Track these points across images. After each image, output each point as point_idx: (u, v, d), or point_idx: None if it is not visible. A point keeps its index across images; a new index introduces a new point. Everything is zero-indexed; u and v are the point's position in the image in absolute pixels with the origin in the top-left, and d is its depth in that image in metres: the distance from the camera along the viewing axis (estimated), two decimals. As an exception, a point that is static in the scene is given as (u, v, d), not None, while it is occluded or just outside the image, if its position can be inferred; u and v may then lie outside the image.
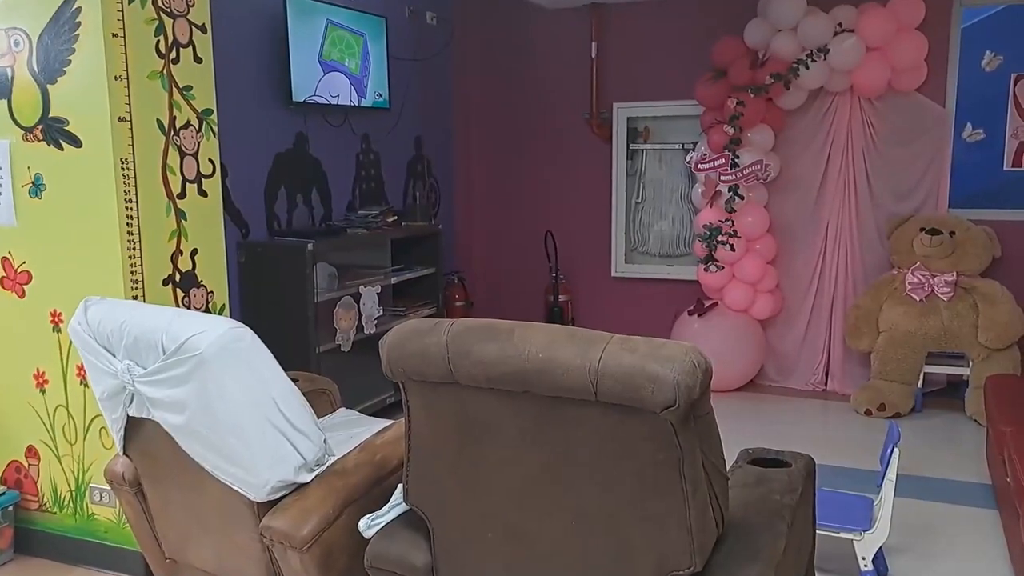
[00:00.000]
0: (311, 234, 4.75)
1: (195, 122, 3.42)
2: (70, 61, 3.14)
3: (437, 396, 2.01)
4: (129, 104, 3.14)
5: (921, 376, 5.29)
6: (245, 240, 4.58)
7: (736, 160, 5.46)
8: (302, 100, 4.80)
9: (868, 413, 5.28)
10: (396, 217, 5.44)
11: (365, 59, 5.31)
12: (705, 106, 5.75)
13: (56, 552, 3.54)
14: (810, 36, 5.31)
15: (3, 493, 3.54)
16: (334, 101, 5.07)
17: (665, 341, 1.79)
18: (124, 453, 2.74)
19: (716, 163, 5.53)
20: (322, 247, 4.62)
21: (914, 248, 5.30)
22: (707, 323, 5.78)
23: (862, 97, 5.55)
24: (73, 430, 3.40)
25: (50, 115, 3.21)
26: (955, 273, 5.22)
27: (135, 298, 3.20)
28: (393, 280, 5.25)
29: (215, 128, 3.51)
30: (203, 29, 3.45)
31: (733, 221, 5.57)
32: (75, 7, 3.08)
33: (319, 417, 3.14)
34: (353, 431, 2.97)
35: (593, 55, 6.29)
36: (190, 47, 3.39)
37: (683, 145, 6.20)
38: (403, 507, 2.23)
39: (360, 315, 4.86)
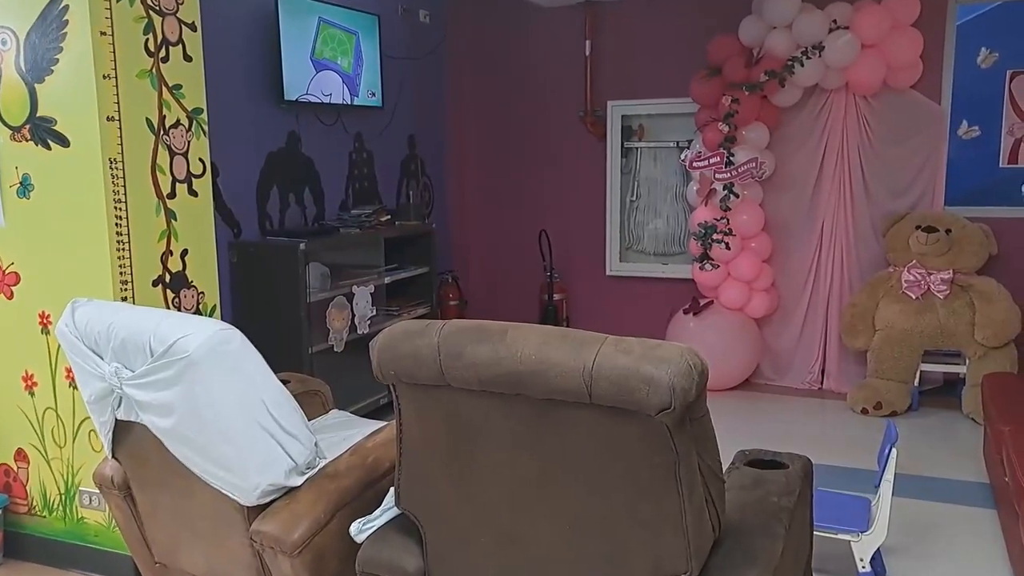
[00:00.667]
0: (304, 234, 4.71)
1: (185, 121, 3.38)
2: (58, 60, 3.09)
3: (429, 399, 1.98)
4: (118, 103, 3.10)
5: (917, 374, 5.27)
6: (237, 240, 4.55)
7: (731, 158, 5.44)
8: (294, 99, 4.76)
9: (864, 412, 5.26)
10: (389, 216, 5.40)
11: (358, 57, 5.28)
12: (700, 104, 5.72)
13: (46, 556, 3.50)
14: (805, 33, 5.28)
15: (-8, 497, 3.51)
16: (326, 100, 5.03)
17: (660, 342, 1.76)
18: (113, 456, 2.70)
19: (711, 161, 5.50)
20: (315, 247, 4.59)
21: (910, 246, 5.28)
22: (702, 322, 5.75)
23: (857, 94, 5.53)
24: (62, 433, 3.36)
25: (38, 115, 3.17)
26: (951, 271, 5.20)
27: (124, 299, 3.16)
28: (386, 280, 5.22)
29: (205, 127, 3.47)
30: (193, 27, 3.41)
31: (728, 219, 5.55)
32: (62, 5, 3.04)
33: (311, 419, 3.12)
34: (346, 433, 2.94)
35: (587, 53, 6.26)
36: (180, 45, 3.35)
37: (678, 143, 6.17)
38: (395, 511, 2.20)
39: (353, 315, 4.83)
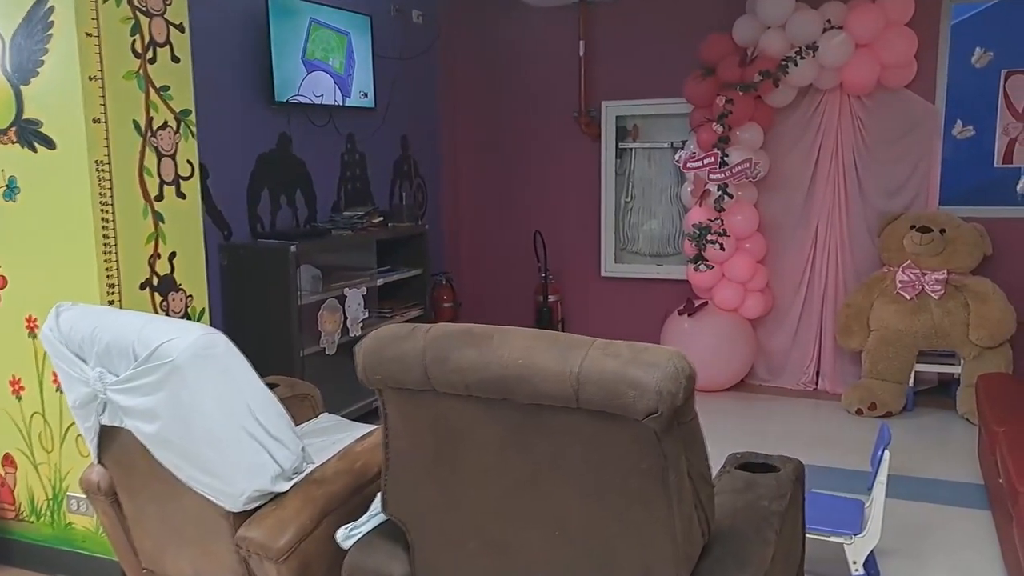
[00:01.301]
0: (295, 236, 4.68)
1: (173, 123, 3.35)
2: (43, 62, 3.07)
3: (415, 404, 1.95)
4: (104, 105, 3.08)
5: (912, 375, 5.25)
6: (227, 242, 4.52)
7: (725, 158, 5.41)
8: (285, 100, 4.73)
9: (859, 412, 5.24)
10: (382, 218, 5.38)
11: (350, 58, 5.25)
12: (694, 104, 5.70)
13: (33, 562, 3.46)
14: (799, 33, 5.26)
15: (-21, 502, 3.48)
16: (318, 101, 5.00)
17: (648, 346, 1.74)
18: (99, 462, 2.67)
19: (705, 162, 5.48)
20: (306, 249, 4.56)
21: (904, 246, 5.27)
22: (697, 323, 5.73)
23: (851, 94, 5.51)
24: (50, 438, 3.33)
25: (24, 117, 3.14)
26: (946, 271, 5.18)
27: (111, 303, 3.13)
28: (379, 282, 5.19)
29: (194, 129, 3.44)
30: (181, 28, 3.38)
31: (722, 220, 5.53)
32: (48, 6, 3.01)
33: (301, 423, 3.10)
34: (335, 437, 2.91)
35: (581, 53, 6.24)
36: (167, 47, 3.32)
37: (672, 144, 6.15)
38: (381, 517, 2.17)
39: (345, 317, 4.80)
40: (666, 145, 6.21)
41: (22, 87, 3.12)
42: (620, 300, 6.46)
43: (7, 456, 3.46)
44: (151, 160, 3.26)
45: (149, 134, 3.25)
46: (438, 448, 1.97)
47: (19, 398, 3.36)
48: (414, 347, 1.87)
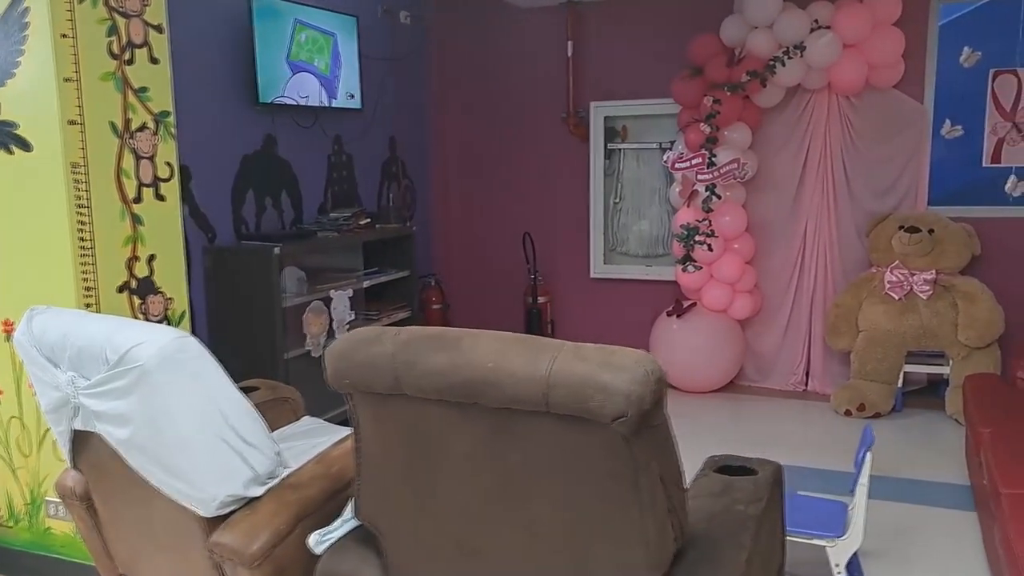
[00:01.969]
0: (280, 237, 4.64)
1: (151, 124, 3.32)
2: (19, 63, 3.04)
3: (385, 408, 1.93)
4: (80, 107, 3.05)
5: (901, 375, 5.24)
6: (211, 245, 4.49)
7: (713, 159, 5.39)
8: (269, 101, 4.71)
9: (848, 413, 5.23)
10: (369, 219, 5.35)
11: (336, 59, 5.22)
12: (682, 104, 5.68)
13: (12, 567, 3.44)
14: (786, 33, 5.25)
15: (-42, 507, 3.45)
16: (303, 102, 4.98)
17: (618, 349, 1.71)
18: (74, 466, 2.65)
19: (693, 162, 5.46)
20: (291, 250, 4.53)
21: (893, 246, 5.25)
22: (686, 324, 5.72)
23: (840, 94, 5.50)
24: (28, 442, 3.30)
25: (0, 119, 3.11)
26: (934, 271, 5.17)
27: (88, 306, 3.10)
28: (366, 284, 5.17)
29: (173, 130, 3.42)
30: (159, 29, 3.35)
31: (710, 221, 5.51)
32: (23, 7, 2.99)
33: (281, 426, 3.08)
34: (316, 440, 2.88)
35: (569, 54, 6.22)
36: (145, 48, 3.29)
37: (661, 144, 6.13)
38: (354, 522, 2.15)
39: (331, 319, 4.77)
40: (655, 146, 6.19)
41: (-2, 89, 3.10)
42: (610, 301, 6.44)
43: (-15, 461, 3.43)
44: (129, 162, 3.24)
45: (127, 136, 3.22)
46: (410, 453, 1.95)
47: (-3, 402, 3.34)
48: (383, 351, 1.85)
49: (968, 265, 5.26)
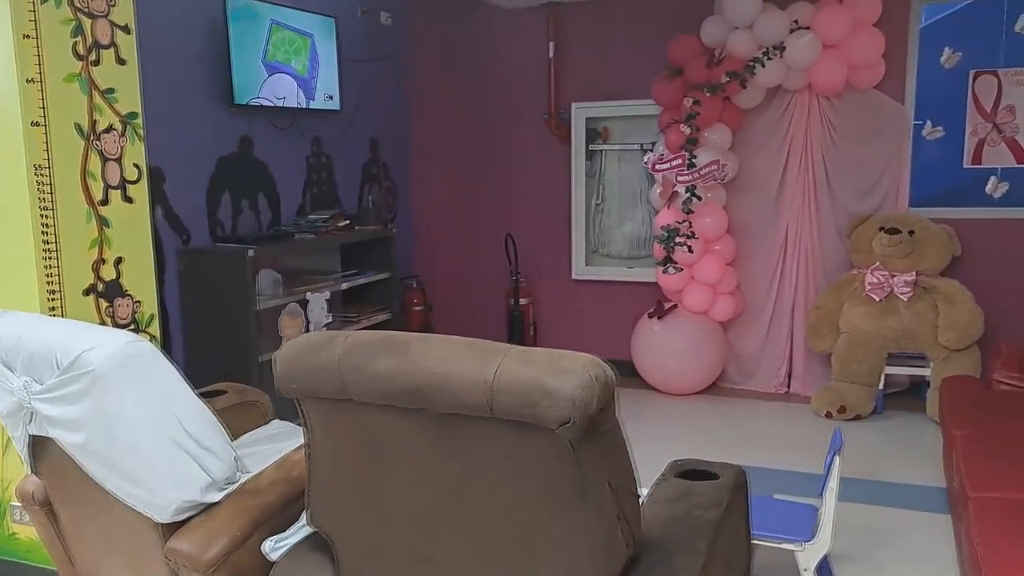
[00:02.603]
0: (256, 239, 4.61)
1: (118, 126, 3.30)
2: (-18, 64, 3.01)
3: (334, 413, 1.91)
4: (44, 108, 3.02)
5: (882, 377, 5.22)
6: (185, 247, 4.45)
7: (693, 160, 5.37)
8: (245, 102, 4.68)
9: (829, 415, 5.21)
10: (348, 221, 5.32)
11: (313, 60, 5.19)
12: (662, 105, 5.67)
13: (-22, 573, 3.41)
14: (766, 33, 5.24)
15: (-76, 513, 3.41)
16: (280, 103, 4.95)
17: (565, 353, 1.69)
18: (34, 472, 2.62)
19: (673, 163, 5.44)
20: (266, 253, 4.51)
21: (873, 247, 5.24)
22: (667, 326, 5.70)
23: (820, 95, 5.49)
24: (-7, 447, 3.28)
25: (-38, 120, 3.08)
26: (914, 273, 5.16)
27: (53, 309, 3.08)
28: (343, 286, 5.14)
29: (140, 132, 3.39)
30: (127, 30, 3.33)
31: (691, 222, 5.49)
32: (-16, 8, 2.96)
33: (248, 430, 3.05)
34: (283, 444, 2.85)
35: (550, 55, 6.19)
36: (112, 48, 3.27)
37: (643, 145, 6.11)
38: (309, 528, 2.12)
39: (308, 322, 4.74)
40: (637, 147, 6.17)
41: (-39, 90, 3.07)
42: (592, 303, 6.42)
43: (-49, 465, 3.40)
44: (95, 164, 3.21)
45: (93, 137, 3.20)
46: (360, 458, 1.93)
47: (-38, 406, 3.30)
48: (331, 356, 1.83)
49: (948, 267, 5.25)
